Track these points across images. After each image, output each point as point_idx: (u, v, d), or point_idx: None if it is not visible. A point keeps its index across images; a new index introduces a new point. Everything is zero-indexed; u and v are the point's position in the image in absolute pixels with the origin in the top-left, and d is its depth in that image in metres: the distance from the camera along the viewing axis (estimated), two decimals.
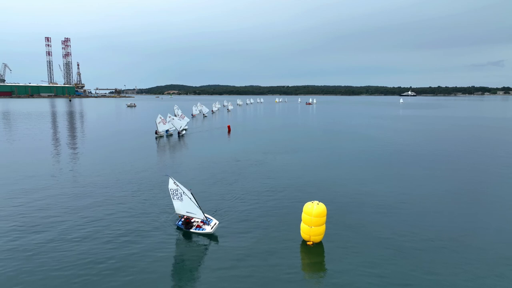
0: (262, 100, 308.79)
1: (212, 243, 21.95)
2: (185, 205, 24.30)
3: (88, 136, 71.23)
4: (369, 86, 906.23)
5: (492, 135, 74.53)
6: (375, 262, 19.34)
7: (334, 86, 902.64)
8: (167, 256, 20.16)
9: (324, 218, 21.13)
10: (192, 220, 24.48)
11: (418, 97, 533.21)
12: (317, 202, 21.36)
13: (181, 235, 23.07)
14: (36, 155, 50.19)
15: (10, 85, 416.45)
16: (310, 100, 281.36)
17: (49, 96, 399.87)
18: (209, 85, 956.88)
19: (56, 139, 67.94)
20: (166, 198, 28.78)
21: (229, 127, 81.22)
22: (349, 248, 20.95)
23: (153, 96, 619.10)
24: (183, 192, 23.86)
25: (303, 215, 21.38)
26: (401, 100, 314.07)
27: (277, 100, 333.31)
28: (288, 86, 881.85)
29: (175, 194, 24.50)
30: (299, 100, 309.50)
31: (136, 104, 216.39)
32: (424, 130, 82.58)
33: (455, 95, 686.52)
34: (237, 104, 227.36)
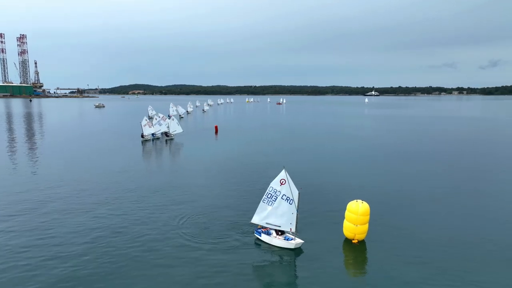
0: (232, 100, 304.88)
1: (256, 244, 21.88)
2: (275, 212, 21.89)
3: (57, 140, 67.50)
4: (334, 86, 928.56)
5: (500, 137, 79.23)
6: (415, 260, 20.14)
7: (301, 86, 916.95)
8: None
9: (368, 217, 21.70)
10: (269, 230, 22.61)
11: (381, 97, 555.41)
12: (361, 201, 21.88)
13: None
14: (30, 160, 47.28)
15: None
16: (281, 100, 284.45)
17: (4, 96, 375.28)
18: (175, 85, 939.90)
19: (16, 141, 64.19)
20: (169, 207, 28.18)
21: (216, 127, 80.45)
22: (390, 246, 21.66)
23: (118, 96, 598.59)
24: (285, 196, 21.76)
25: (348, 214, 21.81)
26: (366, 100, 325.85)
27: (248, 100, 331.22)
28: (255, 86, 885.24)
29: (270, 196, 22.03)
30: (269, 100, 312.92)
31: (104, 105, 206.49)
32: (408, 130, 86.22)
33: (414, 95, 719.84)
34: (208, 104, 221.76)
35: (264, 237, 22.10)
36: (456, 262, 19.60)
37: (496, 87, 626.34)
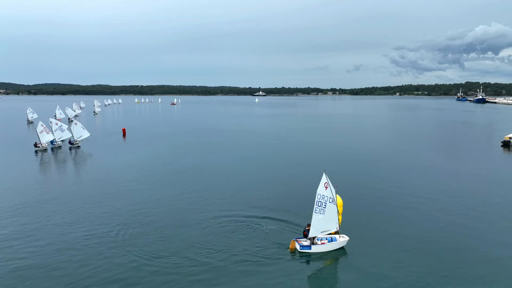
0: (120, 101, 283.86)
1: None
2: (326, 219, 21.62)
3: None
4: (223, 86, 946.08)
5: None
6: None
7: (190, 86, 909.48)
8: None
9: (341, 209, 22.80)
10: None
11: (269, 97, 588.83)
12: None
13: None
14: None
15: None
16: (175, 100, 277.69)
17: None
18: (46, 84, 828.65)
19: None
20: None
21: (124, 130, 73.68)
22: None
23: None
24: (330, 198, 21.39)
25: None
26: (256, 100, 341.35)
27: (138, 100, 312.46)
28: (142, 86, 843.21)
29: (320, 204, 21.51)
30: (160, 100, 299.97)
31: None
32: (321, 128, 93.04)
33: (296, 95, 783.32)
34: (94, 105, 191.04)
35: (315, 248, 21.67)
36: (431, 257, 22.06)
37: (361, 88, 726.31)
